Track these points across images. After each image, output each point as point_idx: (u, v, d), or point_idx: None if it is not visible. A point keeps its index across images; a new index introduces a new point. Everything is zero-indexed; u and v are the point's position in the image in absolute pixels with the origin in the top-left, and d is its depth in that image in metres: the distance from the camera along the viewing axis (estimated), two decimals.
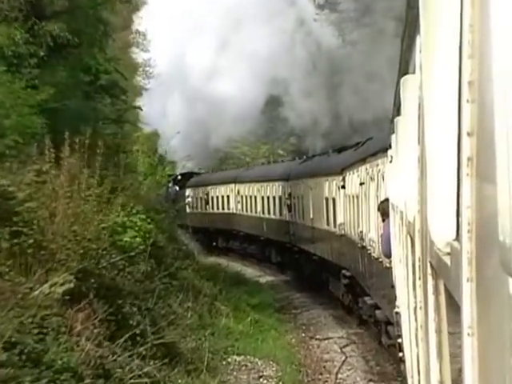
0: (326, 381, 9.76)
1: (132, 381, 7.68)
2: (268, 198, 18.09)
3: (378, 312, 9.56)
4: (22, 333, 6.49)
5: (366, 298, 10.61)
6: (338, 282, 13.33)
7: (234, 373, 10.20)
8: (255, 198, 19.10)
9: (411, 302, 3.49)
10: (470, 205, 1.02)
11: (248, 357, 11.02)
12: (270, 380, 9.89)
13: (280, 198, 16.97)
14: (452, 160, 1.45)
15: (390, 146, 6.30)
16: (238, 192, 20.47)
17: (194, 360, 9.81)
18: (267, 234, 18.29)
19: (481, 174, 0.97)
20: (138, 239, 10.22)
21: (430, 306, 2.04)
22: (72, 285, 7.75)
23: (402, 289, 5.03)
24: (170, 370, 8.91)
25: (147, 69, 30.14)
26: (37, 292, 7.40)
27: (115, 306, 8.62)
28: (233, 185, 21.03)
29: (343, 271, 12.31)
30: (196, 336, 10.84)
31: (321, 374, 10.17)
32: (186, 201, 23.60)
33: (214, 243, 23.44)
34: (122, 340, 8.21)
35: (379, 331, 9.98)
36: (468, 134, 1.03)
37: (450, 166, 1.51)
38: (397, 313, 6.18)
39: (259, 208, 18.73)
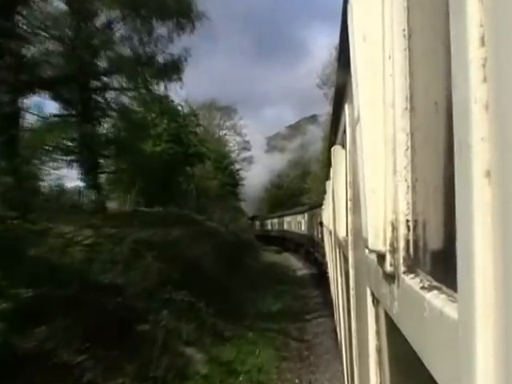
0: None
1: None
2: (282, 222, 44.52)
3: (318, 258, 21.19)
4: None
5: (316, 254, 22.59)
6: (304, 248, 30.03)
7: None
8: (276, 223, 48.00)
9: (332, 256, 7.36)
10: (350, 222, 3.02)
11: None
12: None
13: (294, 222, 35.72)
14: (344, 204, 3.50)
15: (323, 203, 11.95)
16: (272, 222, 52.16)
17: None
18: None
19: (352, 210, 2.97)
20: None
21: (338, 257, 4.45)
22: None
23: (328, 253, 10.17)
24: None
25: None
26: None
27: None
28: (270, 220, 53.54)
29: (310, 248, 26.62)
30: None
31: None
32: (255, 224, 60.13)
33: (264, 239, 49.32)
34: None
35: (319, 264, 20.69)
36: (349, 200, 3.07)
37: (343, 206, 3.58)
38: (326, 262, 12.51)
39: (279, 227, 45.54)
